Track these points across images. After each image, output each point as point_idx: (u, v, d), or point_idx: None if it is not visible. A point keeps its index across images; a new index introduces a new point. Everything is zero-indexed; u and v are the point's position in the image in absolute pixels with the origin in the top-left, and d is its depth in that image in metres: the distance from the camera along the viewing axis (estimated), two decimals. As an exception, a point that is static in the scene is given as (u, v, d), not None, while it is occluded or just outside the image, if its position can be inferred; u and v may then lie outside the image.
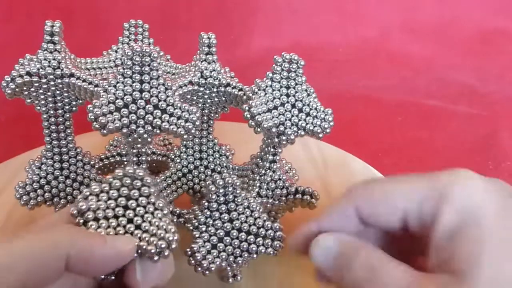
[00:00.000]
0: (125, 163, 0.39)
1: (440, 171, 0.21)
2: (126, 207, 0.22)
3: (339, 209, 0.22)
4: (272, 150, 0.32)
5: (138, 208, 0.22)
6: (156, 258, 0.20)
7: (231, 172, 0.36)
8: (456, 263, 0.17)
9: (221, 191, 0.27)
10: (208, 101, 0.34)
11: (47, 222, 0.21)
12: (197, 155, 0.36)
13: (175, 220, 0.32)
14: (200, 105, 0.34)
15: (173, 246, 0.21)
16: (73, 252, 0.18)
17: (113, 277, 0.22)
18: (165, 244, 0.20)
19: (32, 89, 0.32)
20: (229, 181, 0.27)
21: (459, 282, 0.16)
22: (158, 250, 0.20)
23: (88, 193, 0.22)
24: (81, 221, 0.21)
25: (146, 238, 0.21)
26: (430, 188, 0.20)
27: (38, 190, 0.34)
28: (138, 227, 0.21)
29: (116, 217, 0.22)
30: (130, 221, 0.22)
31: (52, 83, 0.31)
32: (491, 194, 0.19)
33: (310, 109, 0.30)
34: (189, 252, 0.27)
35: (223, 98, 0.34)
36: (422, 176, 0.21)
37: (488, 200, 0.18)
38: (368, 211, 0.21)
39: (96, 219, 0.21)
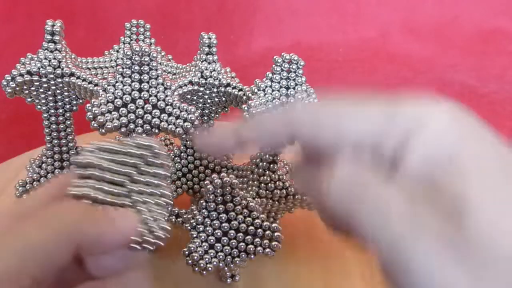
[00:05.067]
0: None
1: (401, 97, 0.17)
2: (133, 180, 0.20)
3: (272, 132, 0.18)
4: (271, 151, 0.32)
5: (144, 187, 0.20)
6: (138, 247, 0.19)
7: (230, 172, 0.36)
8: (443, 201, 0.14)
9: (218, 191, 0.27)
10: (208, 101, 0.34)
11: (42, 200, 0.18)
12: (197, 155, 0.36)
13: (173, 220, 0.32)
14: (200, 105, 0.34)
15: (160, 243, 0.19)
16: (83, 242, 0.17)
17: None
18: (152, 239, 0.19)
19: (33, 88, 0.32)
20: (227, 181, 0.27)
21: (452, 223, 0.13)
22: (143, 241, 0.19)
23: (97, 146, 0.20)
24: (82, 174, 0.19)
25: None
26: (393, 119, 0.16)
27: (38, 189, 0.34)
28: (133, 204, 0.20)
29: (119, 185, 0.20)
30: (129, 194, 0.20)
31: (52, 82, 0.31)
32: (464, 127, 0.15)
33: (309, 109, 0.30)
34: (187, 252, 0.27)
35: (223, 98, 0.34)
36: (380, 104, 0.17)
37: (463, 134, 0.15)
38: (310, 140, 0.17)
39: (97, 179, 0.19)
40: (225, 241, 0.28)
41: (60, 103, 0.33)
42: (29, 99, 0.33)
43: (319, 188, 0.16)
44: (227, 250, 0.28)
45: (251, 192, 0.33)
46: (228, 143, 0.19)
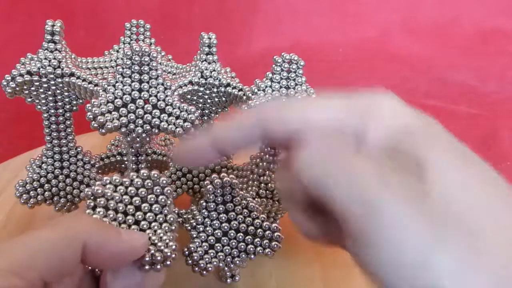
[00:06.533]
0: (126, 162, 0.39)
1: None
2: (138, 208, 0.22)
3: (245, 129, 0.19)
4: (271, 150, 0.32)
5: (149, 214, 0.22)
6: (147, 267, 0.20)
7: (230, 172, 0.36)
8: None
9: (218, 191, 0.27)
10: (208, 101, 0.34)
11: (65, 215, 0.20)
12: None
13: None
14: (200, 105, 0.34)
15: (167, 262, 0.20)
16: (90, 243, 0.18)
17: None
18: (161, 257, 0.20)
19: (33, 88, 0.32)
20: (227, 181, 0.27)
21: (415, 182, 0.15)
22: (153, 260, 0.20)
23: (108, 181, 0.21)
24: (92, 204, 0.21)
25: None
26: (352, 106, 0.18)
27: (38, 189, 0.34)
28: (142, 231, 0.21)
29: (125, 213, 0.21)
30: (136, 222, 0.21)
31: (52, 82, 0.31)
32: (417, 114, 0.17)
33: (309, 109, 0.30)
34: (186, 252, 0.27)
35: (223, 98, 0.34)
36: (342, 95, 0.18)
37: (416, 118, 0.17)
38: (280, 131, 0.18)
39: (106, 208, 0.21)
40: (225, 241, 0.28)
41: (60, 103, 0.33)
42: (29, 99, 0.33)
43: (292, 171, 0.17)
44: (227, 250, 0.28)
45: (251, 192, 0.33)
46: (204, 149, 0.20)
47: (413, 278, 0.14)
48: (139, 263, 0.20)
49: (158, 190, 0.22)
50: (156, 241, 0.21)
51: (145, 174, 0.22)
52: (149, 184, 0.22)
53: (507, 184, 0.16)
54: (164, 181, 0.22)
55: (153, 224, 0.22)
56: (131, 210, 0.21)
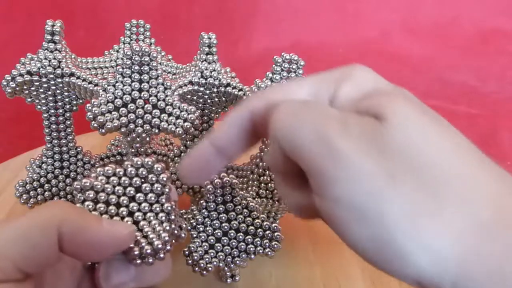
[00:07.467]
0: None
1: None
2: (132, 199, 0.20)
3: (235, 117, 0.19)
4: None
5: (143, 204, 0.20)
6: (138, 261, 0.19)
7: (230, 172, 0.36)
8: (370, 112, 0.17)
9: (218, 191, 0.27)
10: (208, 101, 0.34)
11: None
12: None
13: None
14: (200, 105, 0.34)
15: (161, 255, 0.19)
16: (65, 229, 0.17)
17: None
18: (151, 250, 0.19)
19: (33, 88, 0.32)
20: (227, 181, 0.27)
21: (380, 121, 0.16)
22: (142, 253, 0.19)
23: (100, 173, 0.20)
24: (81, 198, 0.20)
25: (138, 237, 0.19)
26: (326, 77, 0.19)
27: (38, 189, 0.34)
28: (135, 223, 0.20)
29: (118, 205, 0.20)
30: (130, 214, 0.20)
31: (52, 82, 0.31)
32: (389, 83, 0.19)
33: (309, 109, 0.30)
34: (187, 252, 0.27)
35: (223, 98, 0.34)
36: (319, 73, 0.20)
37: (387, 84, 0.19)
38: (262, 107, 0.19)
39: (96, 201, 0.20)
40: (225, 241, 0.28)
41: (60, 103, 0.33)
42: (29, 99, 0.33)
43: (269, 134, 0.18)
44: (227, 250, 0.28)
45: (251, 192, 0.33)
46: (207, 154, 0.20)
47: (363, 216, 0.15)
48: (131, 257, 0.19)
49: (153, 178, 0.20)
50: (149, 233, 0.20)
51: (138, 162, 0.20)
52: (143, 172, 0.20)
53: (475, 146, 0.16)
54: (159, 168, 0.20)
55: (148, 214, 0.20)
56: (124, 201, 0.20)
